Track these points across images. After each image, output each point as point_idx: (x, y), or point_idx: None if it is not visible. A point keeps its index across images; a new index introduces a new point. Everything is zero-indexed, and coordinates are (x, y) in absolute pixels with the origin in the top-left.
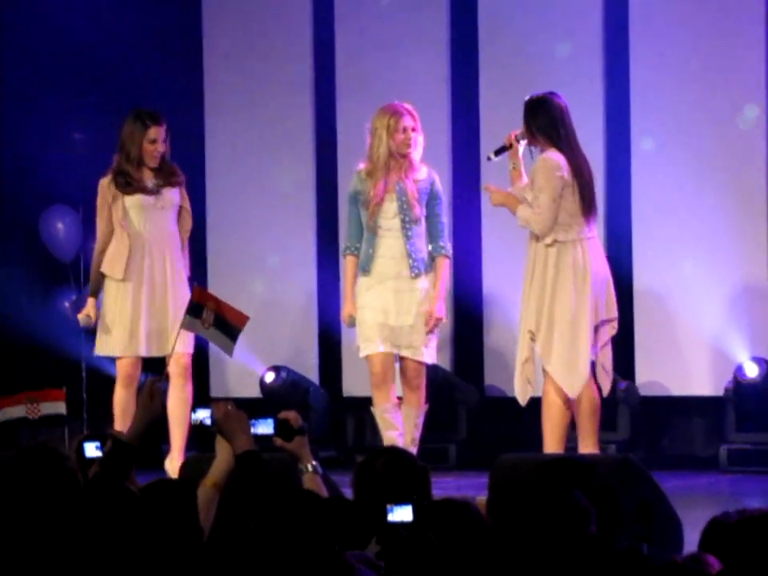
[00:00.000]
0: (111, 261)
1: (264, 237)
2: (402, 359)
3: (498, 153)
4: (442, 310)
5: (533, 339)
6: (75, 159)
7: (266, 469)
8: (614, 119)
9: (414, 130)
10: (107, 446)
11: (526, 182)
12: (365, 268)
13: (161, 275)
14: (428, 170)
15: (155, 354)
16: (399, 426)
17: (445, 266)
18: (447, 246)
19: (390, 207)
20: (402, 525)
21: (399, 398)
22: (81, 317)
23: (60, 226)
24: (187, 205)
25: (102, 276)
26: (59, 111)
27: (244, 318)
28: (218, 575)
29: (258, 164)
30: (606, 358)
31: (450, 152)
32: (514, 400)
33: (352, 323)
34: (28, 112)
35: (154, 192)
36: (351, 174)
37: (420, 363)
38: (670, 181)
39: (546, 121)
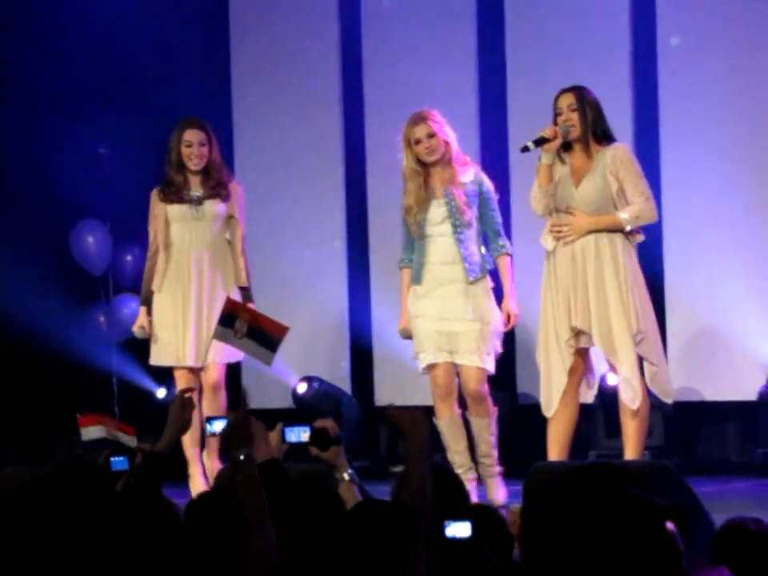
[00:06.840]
0: (155, 273)
1: (295, 247)
2: (461, 368)
3: (537, 143)
4: (516, 307)
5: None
6: (102, 174)
7: (287, 477)
8: (643, 121)
9: (431, 135)
10: (137, 459)
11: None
12: (416, 277)
13: (198, 288)
14: (475, 172)
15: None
16: (464, 437)
17: (508, 264)
18: (506, 243)
19: (438, 212)
20: (459, 540)
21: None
22: (135, 329)
23: (90, 239)
24: (236, 213)
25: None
26: (83, 126)
27: (283, 329)
28: None
29: (288, 175)
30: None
31: (479, 160)
32: None
33: (404, 335)
34: (53, 127)
35: (196, 203)
36: (380, 183)
37: (479, 369)
38: (702, 184)
39: (601, 111)
